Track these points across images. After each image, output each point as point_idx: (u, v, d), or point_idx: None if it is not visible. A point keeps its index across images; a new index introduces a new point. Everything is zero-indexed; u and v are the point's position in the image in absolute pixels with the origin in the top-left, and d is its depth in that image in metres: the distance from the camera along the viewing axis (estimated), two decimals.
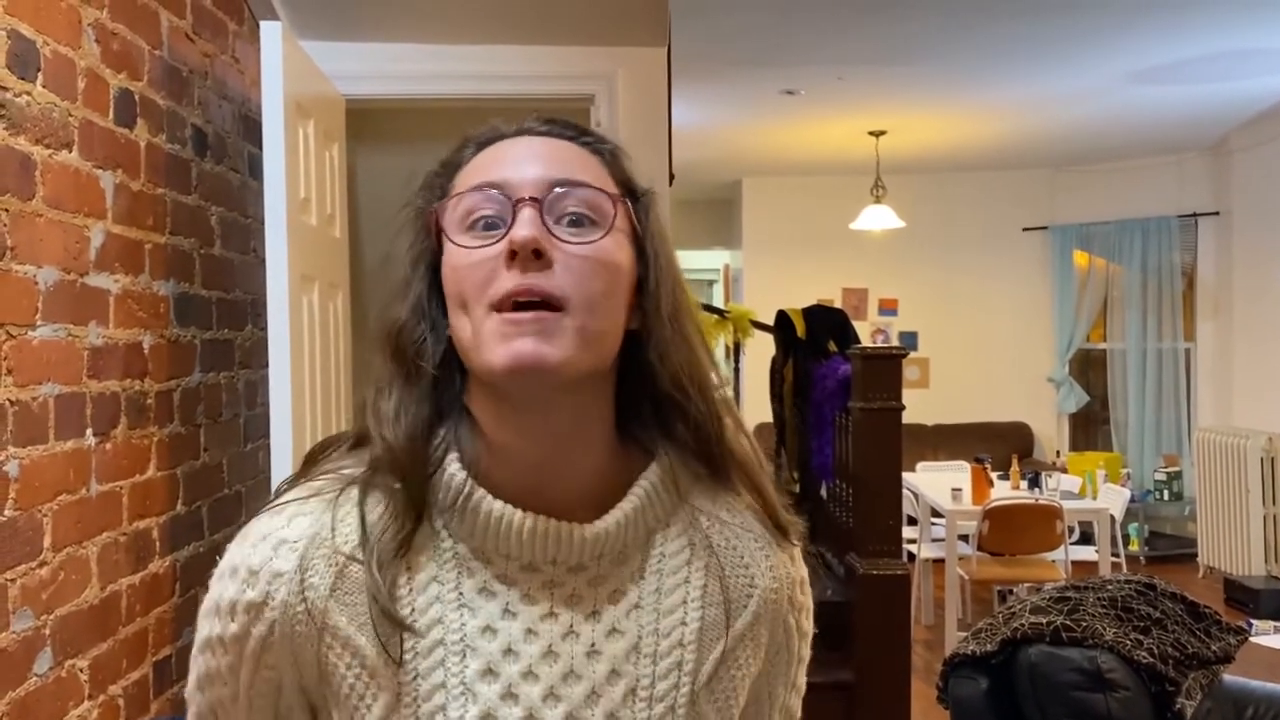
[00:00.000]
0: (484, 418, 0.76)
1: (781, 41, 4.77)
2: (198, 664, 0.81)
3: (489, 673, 0.73)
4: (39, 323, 1.79)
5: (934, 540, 5.77)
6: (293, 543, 0.75)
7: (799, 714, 0.90)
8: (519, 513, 0.74)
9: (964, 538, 5.31)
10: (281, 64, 2.42)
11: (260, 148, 2.46)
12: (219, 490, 2.62)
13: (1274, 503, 6.25)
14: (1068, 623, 2.40)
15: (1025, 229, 7.99)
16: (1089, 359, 8.12)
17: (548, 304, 0.71)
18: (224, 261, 2.65)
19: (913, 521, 5.65)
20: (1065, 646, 2.37)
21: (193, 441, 2.45)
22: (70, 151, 1.90)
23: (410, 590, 0.74)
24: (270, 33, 2.43)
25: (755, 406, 6.51)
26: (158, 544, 2.26)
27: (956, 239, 8.03)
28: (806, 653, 0.88)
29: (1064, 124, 6.43)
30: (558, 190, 0.73)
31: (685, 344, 0.78)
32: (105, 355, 2.02)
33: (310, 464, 0.81)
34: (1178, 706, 2.30)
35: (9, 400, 1.70)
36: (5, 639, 1.69)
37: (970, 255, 8.05)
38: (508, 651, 0.73)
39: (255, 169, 2.78)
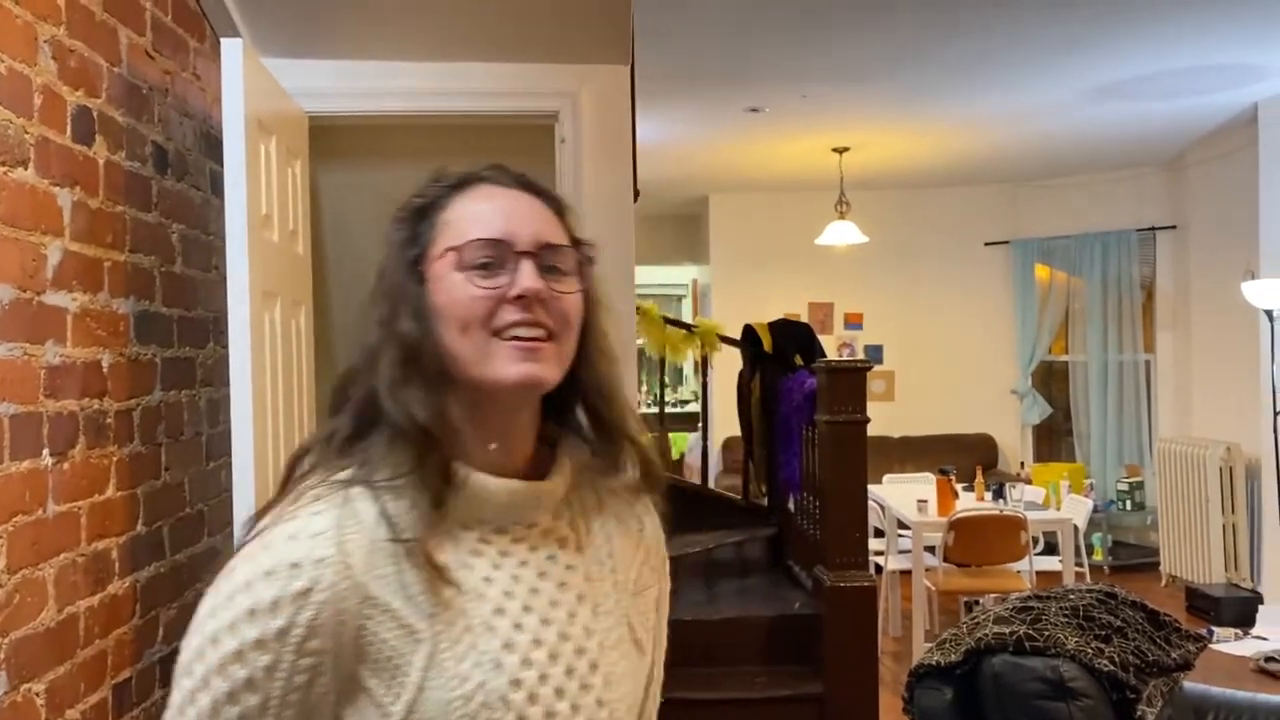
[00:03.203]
0: (458, 412, 0.92)
1: (745, 59, 4.81)
2: (212, 690, 0.85)
3: (498, 611, 0.90)
4: None
5: (901, 552, 5.80)
6: (324, 533, 0.87)
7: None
8: (499, 480, 0.93)
9: (930, 549, 5.35)
10: (243, 81, 2.41)
11: (222, 165, 2.44)
12: (180, 510, 2.59)
13: (1233, 511, 6.35)
14: (1030, 632, 2.42)
15: (987, 243, 8.09)
16: (1051, 371, 8.22)
17: (543, 334, 0.92)
18: (185, 279, 2.63)
19: (879, 533, 5.67)
20: (1028, 656, 2.39)
21: (153, 461, 2.43)
22: (26, 169, 1.88)
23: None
24: (231, 50, 2.42)
25: (723, 420, 6.53)
26: (117, 565, 2.23)
27: (920, 254, 8.11)
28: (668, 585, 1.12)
29: (1024, 140, 6.52)
30: (547, 249, 0.94)
31: (604, 360, 0.99)
32: (63, 374, 2.00)
33: (289, 478, 0.94)
34: (1139, 714, 2.32)
35: None
36: None
37: (934, 270, 8.14)
38: (505, 594, 0.92)
39: (217, 186, 2.76)
